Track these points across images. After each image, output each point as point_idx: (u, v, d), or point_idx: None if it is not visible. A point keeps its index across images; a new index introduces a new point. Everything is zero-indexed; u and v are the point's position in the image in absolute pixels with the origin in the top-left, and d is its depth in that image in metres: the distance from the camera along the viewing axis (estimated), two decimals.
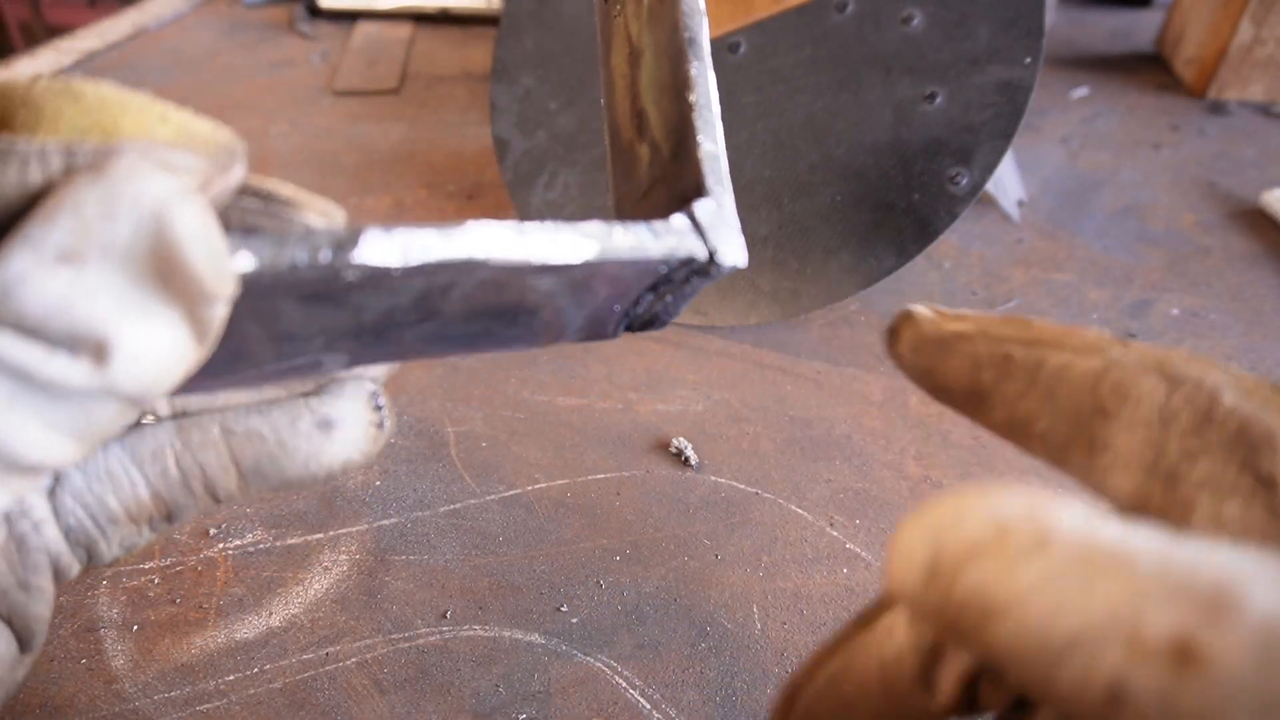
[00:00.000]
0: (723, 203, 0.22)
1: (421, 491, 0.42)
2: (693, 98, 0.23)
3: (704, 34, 0.23)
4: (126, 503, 0.20)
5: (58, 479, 0.19)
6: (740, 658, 0.34)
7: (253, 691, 0.33)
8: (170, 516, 0.21)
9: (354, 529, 0.40)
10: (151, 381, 0.14)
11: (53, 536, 0.19)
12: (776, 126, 0.54)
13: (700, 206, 0.21)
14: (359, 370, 0.21)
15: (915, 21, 0.50)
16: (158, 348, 0.13)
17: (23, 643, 0.19)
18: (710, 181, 0.22)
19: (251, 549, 0.39)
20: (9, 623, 0.18)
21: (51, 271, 0.12)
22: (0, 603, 0.18)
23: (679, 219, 0.21)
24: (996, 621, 0.11)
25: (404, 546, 0.39)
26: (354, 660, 0.34)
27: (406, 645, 0.35)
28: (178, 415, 0.20)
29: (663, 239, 0.21)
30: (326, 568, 0.38)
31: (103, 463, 0.20)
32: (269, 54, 1.01)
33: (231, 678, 0.33)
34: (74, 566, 0.19)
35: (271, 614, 0.36)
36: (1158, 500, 0.16)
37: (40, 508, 0.19)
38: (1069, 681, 0.11)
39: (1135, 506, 0.16)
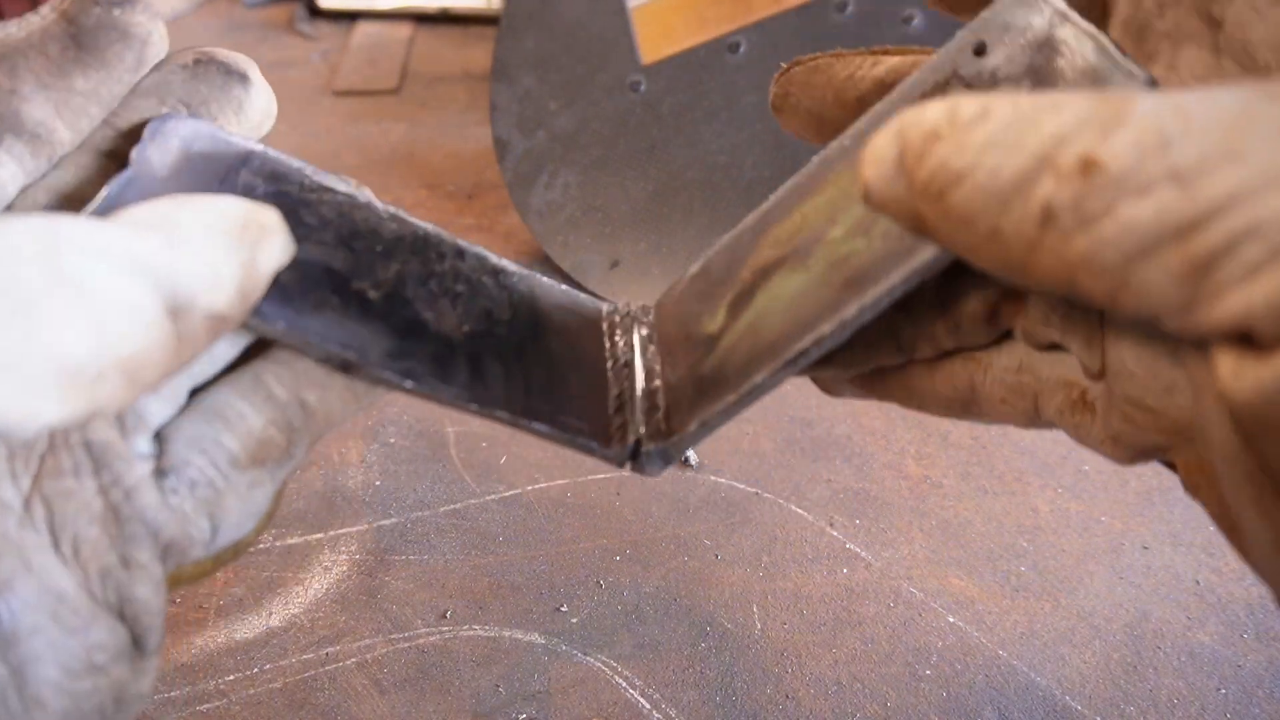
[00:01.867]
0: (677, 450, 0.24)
1: (421, 491, 0.42)
2: (802, 346, 0.21)
3: (883, 298, 0.20)
4: (244, 438, 0.18)
5: (161, 439, 0.18)
6: (740, 658, 0.34)
7: (253, 691, 0.33)
8: (290, 448, 0.19)
9: (354, 529, 0.40)
10: (195, 282, 0.15)
11: (151, 503, 0.17)
12: (776, 126, 0.54)
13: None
14: None
15: (915, 21, 0.50)
16: (212, 259, 0.16)
17: (136, 637, 0.17)
18: (694, 427, 0.23)
19: (251, 549, 0.39)
20: (120, 613, 0.17)
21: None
22: (105, 587, 0.16)
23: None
24: (956, 188, 0.14)
25: (404, 546, 0.39)
26: (354, 660, 0.34)
27: (406, 645, 0.35)
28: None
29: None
30: (326, 568, 0.38)
31: (208, 403, 0.18)
32: (269, 54, 1.01)
33: (231, 678, 0.33)
34: (189, 541, 0.18)
35: (271, 614, 0.36)
36: (1128, 52, 0.17)
37: (133, 472, 0.17)
38: (1014, 220, 0.13)
39: None
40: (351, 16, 1.13)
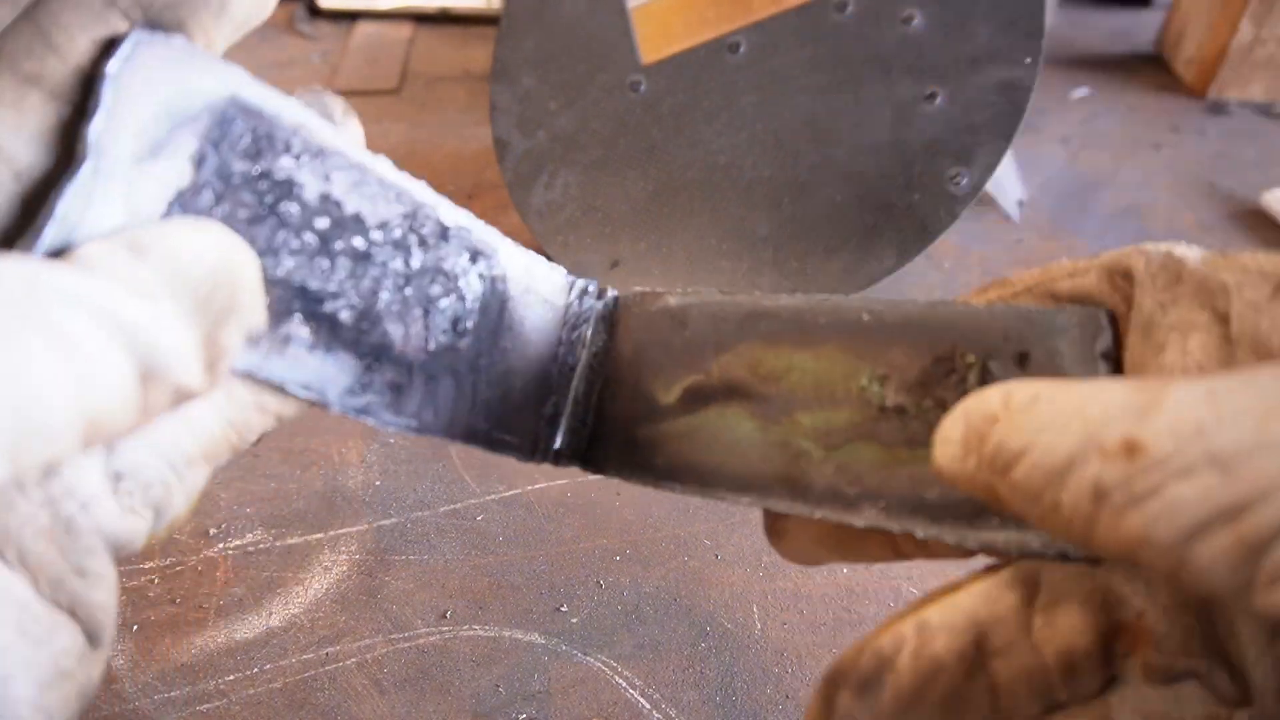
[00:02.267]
0: None
1: (421, 491, 0.42)
2: (734, 498, 0.24)
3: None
4: (203, 440, 0.18)
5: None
6: (740, 658, 0.34)
7: (253, 691, 0.33)
8: (241, 445, 0.19)
9: (354, 529, 0.40)
10: (163, 351, 0.15)
11: (106, 512, 0.17)
12: (776, 126, 0.54)
13: None
14: None
15: (915, 21, 0.50)
16: (180, 336, 0.15)
17: (90, 635, 0.17)
18: (612, 474, 0.27)
19: (251, 549, 0.39)
20: (73, 614, 0.17)
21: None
22: (59, 594, 0.16)
23: None
24: (1016, 466, 0.15)
25: (404, 546, 0.39)
26: (354, 660, 0.34)
27: (406, 645, 0.35)
28: None
29: None
30: (326, 568, 0.38)
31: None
32: (269, 54, 1.01)
33: (231, 678, 0.33)
34: (137, 538, 0.18)
35: (271, 614, 0.36)
36: (1137, 348, 0.19)
37: (88, 483, 0.17)
38: (1070, 495, 0.14)
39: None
40: (351, 16, 1.13)
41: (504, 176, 0.61)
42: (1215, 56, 0.86)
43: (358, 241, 0.20)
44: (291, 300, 0.19)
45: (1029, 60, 0.47)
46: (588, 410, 0.27)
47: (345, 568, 0.38)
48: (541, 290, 0.26)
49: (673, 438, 0.25)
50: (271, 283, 0.19)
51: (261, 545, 0.39)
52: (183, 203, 0.17)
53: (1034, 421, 0.15)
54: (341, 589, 0.37)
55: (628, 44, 0.57)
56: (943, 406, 0.21)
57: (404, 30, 1.09)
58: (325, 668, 0.34)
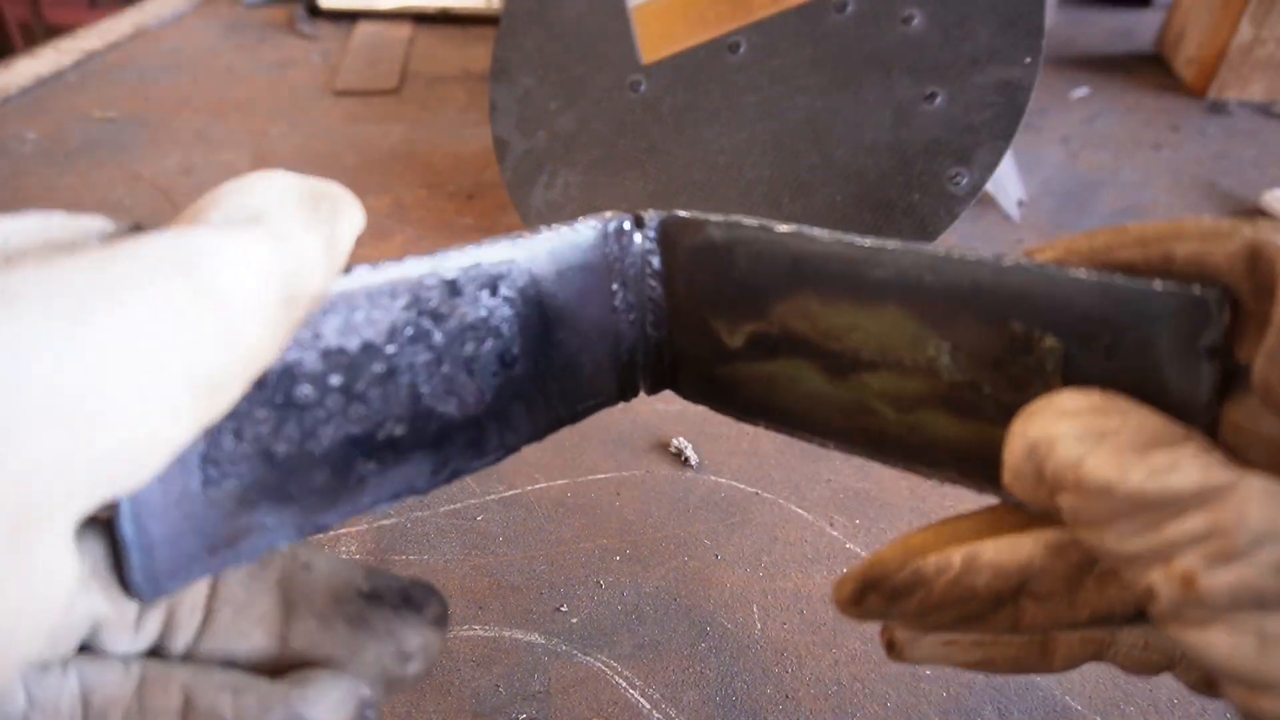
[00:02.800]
0: None
1: None
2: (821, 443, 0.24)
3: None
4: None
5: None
6: (740, 658, 0.34)
7: None
8: None
9: (354, 529, 0.40)
10: (298, 267, 0.16)
11: None
12: (776, 126, 0.54)
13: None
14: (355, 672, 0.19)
15: (915, 21, 0.50)
16: (305, 239, 0.16)
17: None
18: (693, 403, 0.26)
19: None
20: None
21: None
22: None
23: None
24: (1093, 538, 0.16)
25: (404, 546, 0.39)
26: None
27: None
28: (151, 654, 0.18)
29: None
30: None
31: (55, 686, 0.16)
32: (269, 54, 1.01)
33: None
34: None
35: None
36: (1265, 369, 0.16)
37: None
38: (1157, 580, 0.15)
39: None
40: (351, 16, 1.13)
41: (504, 176, 0.61)
42: (1215, 56, 0.86)
43: (377, 367, 0.20)
44: (350, 453, 0.20)
45: (1029, 60, 0.47)
46: (662, 346, 0.26)
47: None
48: (574, 260, 0.24)
49: (747, 380, 0.24)
50: (325, 455, 0.19)
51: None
52: (210, 455, 0.17)
53: (1104, 509, 0.15)
54: None
55: (628, 44, 0.57)
56: (1019, 388, 0.19)
57: (404, 30, 1.09)
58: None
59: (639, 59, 0.57)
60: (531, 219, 0.60)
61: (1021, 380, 0.19)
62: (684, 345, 0.25)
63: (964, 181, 0.48)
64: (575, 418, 0.25)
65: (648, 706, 0.32)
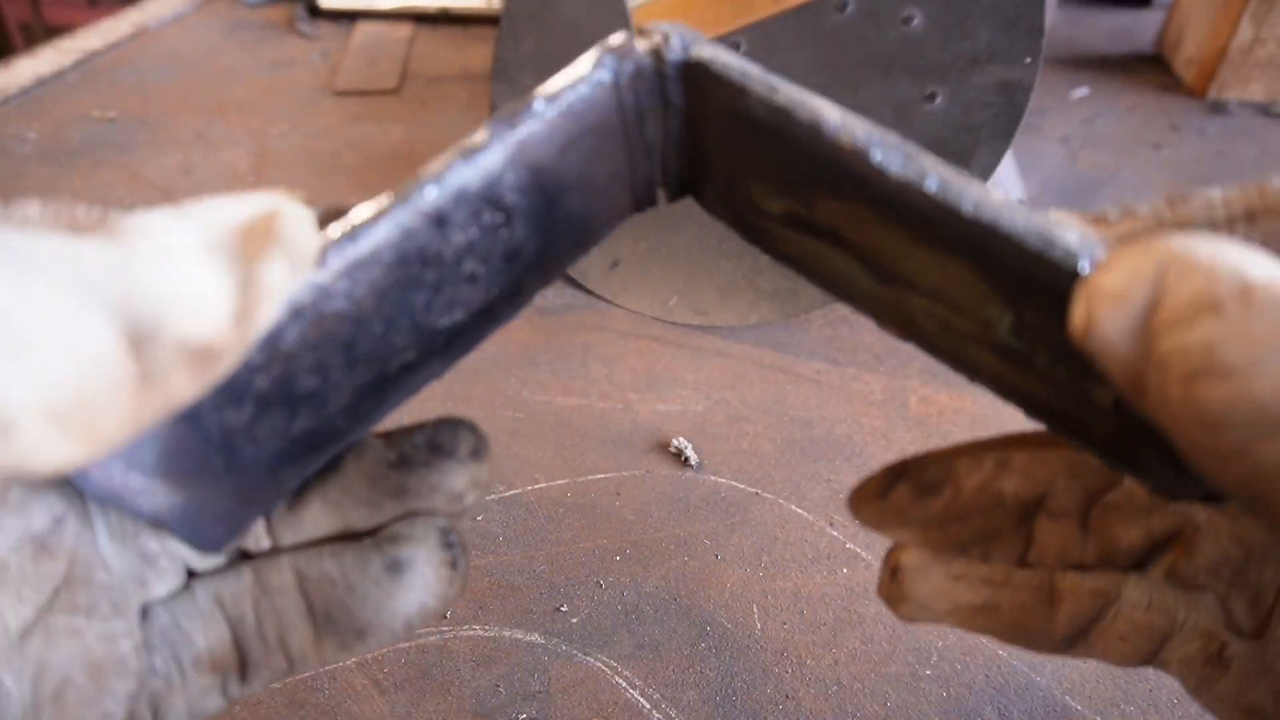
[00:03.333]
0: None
1: None
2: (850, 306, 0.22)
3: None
4: (211, 643, 0.19)
5: (146, 614, 0.18)
6: (740, 658, 0.34)
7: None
8: (244, 672, 0.19)
9: None
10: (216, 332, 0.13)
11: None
12: None
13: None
14: (430, 507, 0.20)
15: (915, 21, 0.50)
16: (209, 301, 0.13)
17: None
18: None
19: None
20: None
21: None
22: None
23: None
24: (1215, 384, 0.11)
25: None
26: (354, 660, 0.34)
27: (406, 645, 0.35)
28: (256, 556, 0.20)
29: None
30: None
31: (191, 600, 0.19)
32: (269, 54, 1.01)
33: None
34: None
35: None
36: None
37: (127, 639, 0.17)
38: (1272, 457, 0.10)
39: None
40: (351, 16, 1.13)
41: None
42: (1215, 56, 0.86)
43: (374, 327, 0.18)
44: (363, 396, 0.19)
45: (1029, 60, 0.47)
46: (684, 170, 0.23)
47: None
48: (579, 129, 0.19)
49: (782, 240, 0.21)
50: (340, 410, 0.19)
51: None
52: (224, 431, 0.17)
53: (1265, 340, 0.10)
54: None
55: None
56: (1081, 377, 0.17)
57: (404, 30, 1.09)
58: (325, 667, 0.34)
59: None
60: None
61: (1083, 371, 0.17)
62: (711, 180, 0.22)
63: None
64: (587, 250, 0.22)
65: (648, 706, 0.32)
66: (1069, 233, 0.15)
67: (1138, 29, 1.09)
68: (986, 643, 0.35)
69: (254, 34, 1.09)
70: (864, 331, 0.54)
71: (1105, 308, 0.12)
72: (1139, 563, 0.20)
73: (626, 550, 0.39)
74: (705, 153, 0.21)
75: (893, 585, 0.21)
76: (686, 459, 0.43)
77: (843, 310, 0.56)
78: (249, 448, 0.18)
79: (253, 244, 0.13)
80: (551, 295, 0.57)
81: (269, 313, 0.13)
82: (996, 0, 0.48)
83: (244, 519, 0.19)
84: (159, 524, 0.17)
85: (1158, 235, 0.12)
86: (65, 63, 0.95)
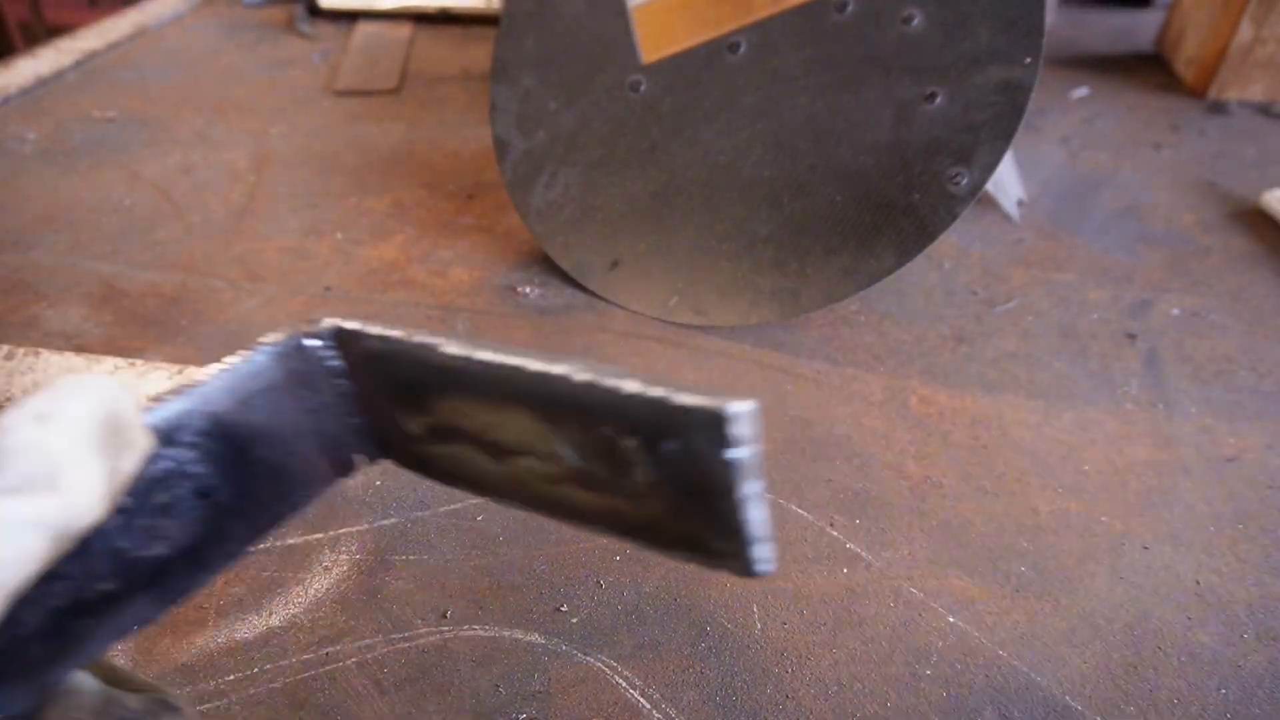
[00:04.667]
0: None
1: (421, 491, 0.42)
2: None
3: None
4: None
5: None
6: (740, 658, 0.34)
7: (253, 691, 0.33)
8: None
9: (354, 529, 0.40)
10: (79, 516, 0.17)
11: None
12: (776, 126, 0.54)
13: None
14: None
15: (915, 21, 0.50)
16: (90, 488, 0.17)
17: None
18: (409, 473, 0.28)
19: (252, 548, 0.39)
20: None
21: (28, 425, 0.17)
22: None
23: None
24: None
25: (404, 546, 0.39)
26: (354, 660, 0.34)
27: (406, 645, 0.35)
28: None
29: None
30: (326, 568, 0.38)
31: None
32: (269, 54, 1.01)
33: (231, 678, 0.33)
34: None
35: (271, 614, 0.36)
36: None
37: None
38: None
39: None
40: (351, 16, 1.13)
41: (504, 176, 0.61)
42: (1215, 56, 0.86)
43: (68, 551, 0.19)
44: (62, 621, 0.20)
45: (1029, 60, 0.47)
46: (366, 429, 0.29)
47: (345, 568, 0.38)
48: (256, 387, 0.25)
49: (436, 457, 0.28)
50: (36, 632, 0.19)
51: (262, 545, 0.39)
52: None
53: None
54: (341, 589, 0.37)
55: (628, 44, 0.57)
56: (625, 473, 0.23)
57: (404, 30, 1.09)
58: (325, 668, 0.34)
59: (639, 59, 0.57)
60: (531, 219, 0.60)
61: (626, 466, 0.23)
62: (382, 427, 0.28)
63: (964, 181, 0.48)
64: (296, 509, 0.27)
65: (648, 706, 0.32)
66: (562, 369, 0.22)
67: (1138, 29, 1.09)
68: (987, 643, 0.35)
69: (254, 34, 1.09)
70: (864, 331, 0.54)
71: None
72: None
73: (626, 550, 0.39)
74: (371, 405, 0.28)
75: None
76: None
77: (843, 310, 0.56)
78: None
79: (115, 439, 0.18)
80: (552, 295, 0.58)
81: (125, 488, 0.18)
82: (996, 0, 0.48)
83: None
84: None
85: None
86: (65, 63, 0.95)
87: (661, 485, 0.23)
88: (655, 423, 0.22)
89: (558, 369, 0.22)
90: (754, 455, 0.21)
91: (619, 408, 0.22)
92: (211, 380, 0.23)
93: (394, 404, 0.27)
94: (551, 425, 0.24)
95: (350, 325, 0.26)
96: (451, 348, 0.24)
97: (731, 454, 0.21)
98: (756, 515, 0.22)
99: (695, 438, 0.21)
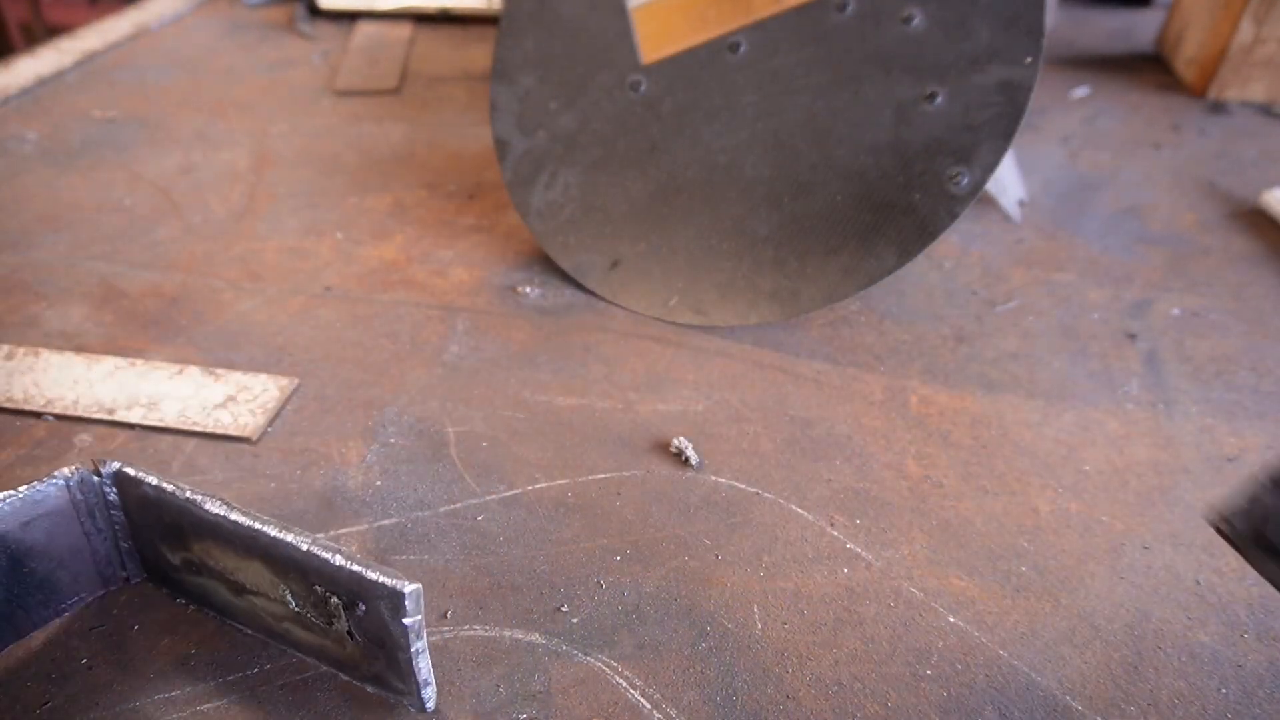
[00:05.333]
0: None
1: (421, 491, 0.42)
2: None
3: None
4: None
5: None
6: (740, 658, 0.34)
7: (253, 691, 0.33)
8: None
9: (354, 529, 0.40)
10: None
11: None
12: (776, 126, 0.54)
13: None
14: None
15: (915, 21, 0.50)
16: None
17: None
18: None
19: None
20: None
21: None
22: None
23: None
24: None
25: (404, 546, 0.39)
26: None
27: None
28: None
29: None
30: None
31: None
32: (269, 54, 1.01)
33: (231, 678, 0.33)
34: None
35: None
36: None
37: None
38: None
39: None
40: (351, 16, 1.13)
41: (504, 176, 0.61)
42: (1215, 56, 0.86)
43: None
44: None
45: (1029, 60, 0.47)
46: (134, 553, 0.35)
47: None
48: (38, 512, 0.32)
49: (189, 585, 0.34)
50: None
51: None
52: None
53: None
54: None
55: (628, 44, 0.57)
56: (330, 621, 0.31)
57: (404, 30, 1.09)
58: (326, 667, 0.34)
59: (639, 59, 0.57)
60: (531, 219, 0.60)
61: (333, 615, 0.30)
62: (147, 555, 0.35)
63: (964, 181, 0.48)
64: (60, 614, 0.34)
65: (648, 706, 0.32)
66: (288, 535, 0.30)
67: (1138, 29, 1.09)
68: (987, 642, 0.35)
69: (254, 34, 1.09)
70: (864, 331, 0.54)
71: None
72: None
73: (627, 550, 0.39)
74: (141, 536, 0.34)
75: None
76: (687, 459, 0.43)
77: (843, 310, 0.56)
78: None
79: None
80: (552, 295, 0.58)
81: None
82: (996, 0, 0.48)
83: None
84: None
85: None
86: (65, 63, 0.95)
87: (356, 635, 0.30)
88: (352, 589, 0.29)
89: (288, 538, 0.29)
90: (420, 622, 0.29)
91: (329, 574, 0.29)
92: (5, 502, 0.30)
93: (159, 538, 0.34)
94: (280, 577, 0.31)
95: (130, 471, 0.33)
96: (211, 506, 0.31)
97: (405, 620, 0.28)
98: (424, 665, 0.30)
99: (379, 605, 0.28)
